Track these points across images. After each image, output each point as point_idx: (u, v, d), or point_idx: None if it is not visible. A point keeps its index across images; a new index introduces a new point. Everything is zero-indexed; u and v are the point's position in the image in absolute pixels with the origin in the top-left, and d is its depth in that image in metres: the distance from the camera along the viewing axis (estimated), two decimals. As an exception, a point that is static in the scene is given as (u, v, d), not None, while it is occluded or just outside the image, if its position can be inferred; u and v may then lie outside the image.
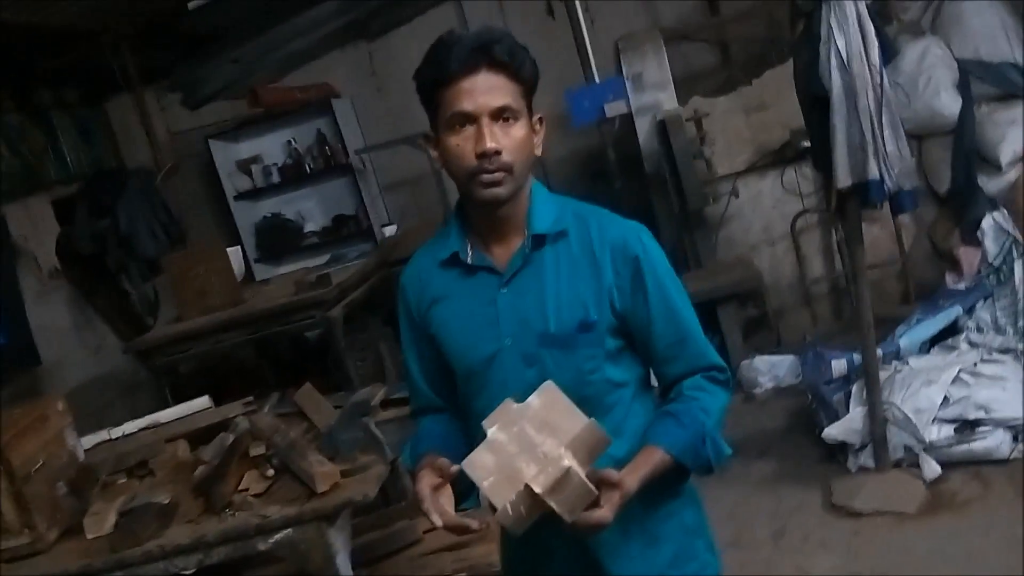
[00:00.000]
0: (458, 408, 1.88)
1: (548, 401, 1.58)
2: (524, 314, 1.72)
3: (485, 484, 1.49)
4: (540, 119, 1.75)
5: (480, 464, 1.50)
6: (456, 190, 1.78)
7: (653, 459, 1.67)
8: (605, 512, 1.54)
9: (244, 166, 7.16)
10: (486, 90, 1.63)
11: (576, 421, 1.57)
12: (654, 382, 1.87)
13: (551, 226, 1.74)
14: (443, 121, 1.67)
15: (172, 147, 7.11)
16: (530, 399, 1.57)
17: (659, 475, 1.68)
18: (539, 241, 1.73)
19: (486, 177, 1.64)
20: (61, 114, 6.43)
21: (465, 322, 1.76)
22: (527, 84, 1.69)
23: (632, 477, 1.62)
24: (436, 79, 1.65)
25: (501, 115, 1.64)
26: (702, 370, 1.78)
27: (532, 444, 1.53)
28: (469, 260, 1.76)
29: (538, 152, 1.74)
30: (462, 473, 1.60)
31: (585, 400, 1.68)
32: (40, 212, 5.90)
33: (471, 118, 1.64)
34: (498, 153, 1.63)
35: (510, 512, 1.50)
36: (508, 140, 1.64)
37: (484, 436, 1.58)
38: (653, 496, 1.75)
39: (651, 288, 1.73)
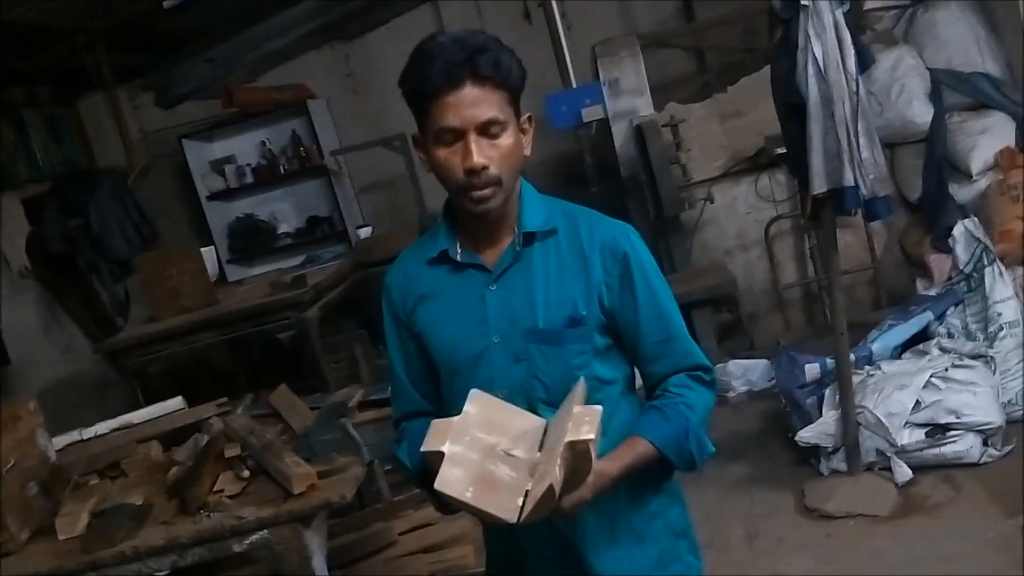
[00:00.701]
0: (444, 410, 1.86)
1: (482, 406, 1.60)
2: (513, 311, 1.72)
3: (468, 495, 1.48)
4: (529, 118, 1.73)
5: (453, 479, 1.49)
6: (433, 193, 1.78)
7: (636, 449, 1.68)
8: (583, 492, 1.55)
9: (218, 166, 7.12)
10: (471, 104, 1.61)
11: (517, 416, 1.61)
12: (638, 383, 1.88)
13: (541, 224, 1.74)
14: (430, 132, 1.65)
15: (145, 147, 7.06)
16: (465, 409, 1.58)
17: (642, 467, 1.69)
18: (529, 239, 1.73)
19: (475, 194, 1.64)
20: (32, 112, 6.38)
21: (453, 319, 1.75)
22: (514, 90, 1.67)
23: (611, 464, 1.63)
24: (420, 92, 1.63)
25: (488, 128, 1.63)
26: (688, 369, 1.79)
27: (490, 446, 1.54)
28: (458, 257, 1.75)
29: (527, 152, 1.73)
30: None
31: None
32: (10, 210, 5.83)
33: (458, 133, 1.62)
34: (486, 168, 1.62)
35: (536, 500, 1.48)
36: (496, 152, 1.63)
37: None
38: (640, 496, 1.76)
39: (639, 286, 1.73)
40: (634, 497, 1.76)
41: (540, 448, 1.58)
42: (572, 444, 1.47)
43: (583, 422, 1.49)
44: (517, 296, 1.72)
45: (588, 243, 1.73)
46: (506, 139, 1.65)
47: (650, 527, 1.80)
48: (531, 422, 1.62)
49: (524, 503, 1.49)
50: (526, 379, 1.71)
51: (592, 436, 1.48)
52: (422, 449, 1.55)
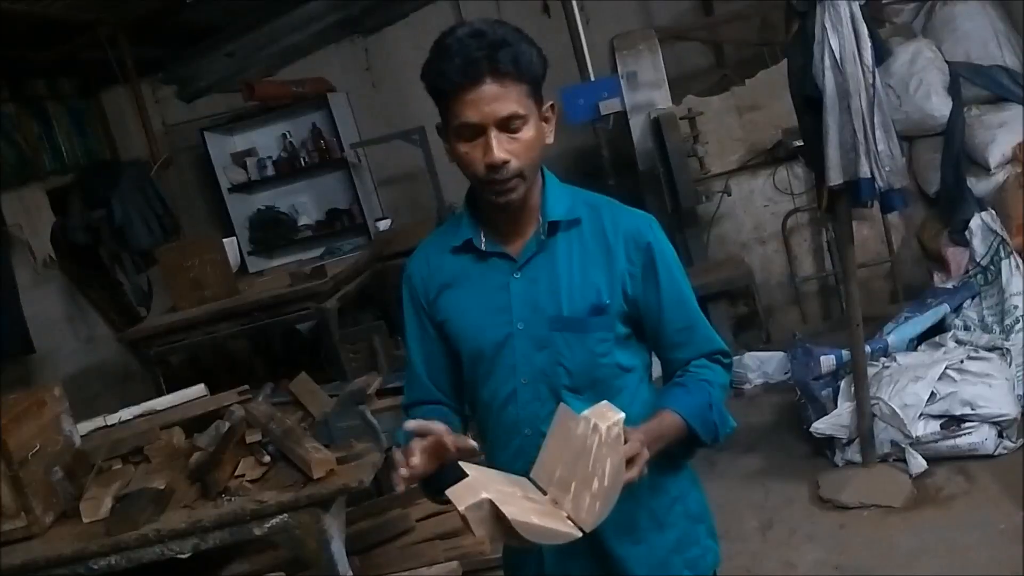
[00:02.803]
0: (455, 403, 1.89)
1: (477, 471, 1.58)
2: (536, 299, 1.73)
3: (535, 520, 1.48)
4: (552, 106, 1.73)
5: (517, 513, 1.48)
6: (451, 186, 1.79)
7: (665, 420, 1.70)
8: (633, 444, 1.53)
9: (239, 159, 7.18)
10: (491, 100, 1.61)
11: (504, 475, 1.61)
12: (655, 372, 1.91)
13: (565, 213, 1.76)
14: (451, 127, 1.66)
15: (167, 139, 7.13)
16: (470, 473, 1.54)
17: (671, 439, 1.70)
18: (553, 228, 1.75)
19: (497, 188, 1.66)
20: (56, 105, 6.45)
21: (477, 307, 1.77)
22: (534, 82, 1.67)
23: (643, 433, 1.61)
24: (439, 88, 1.64)
25: (508, 124, 1.63)
26: (708, 354, 1.82)
27: (511, 493, 1.54)
28: (483, 247, 1.77)
29: (549, 140, 1.73)
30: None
31: (596, 383, 1.74)
32: (35, 202, 5.90)
33: (478, 129, 1.63)
34: (507, 163, 1.63)
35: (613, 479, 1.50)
36: (517, 146, 1.64)
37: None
38: (659, 480, 1.78)
39: (663, 276, 1.76)
40: (654, 481, 1.75)
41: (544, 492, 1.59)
42: (609, 428, 1.49)
43: (604, 413, 1.52)
44: (541, 284, 1.74)
45: (612, 233, 1.75)
46: (527, 132, 1.65)
47: (670, 512, 1.83)
48: (517, 479, 1.62)
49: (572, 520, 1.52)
50: (549, 366, 1.73)
51: (622, 415, 1.51)
52: (460, 509, 1.46)
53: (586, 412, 1.53)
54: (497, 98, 1.61)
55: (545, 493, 1.58)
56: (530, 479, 1.62)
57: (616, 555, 1.79)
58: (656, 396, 1.83)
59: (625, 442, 1.52)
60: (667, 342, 1.81)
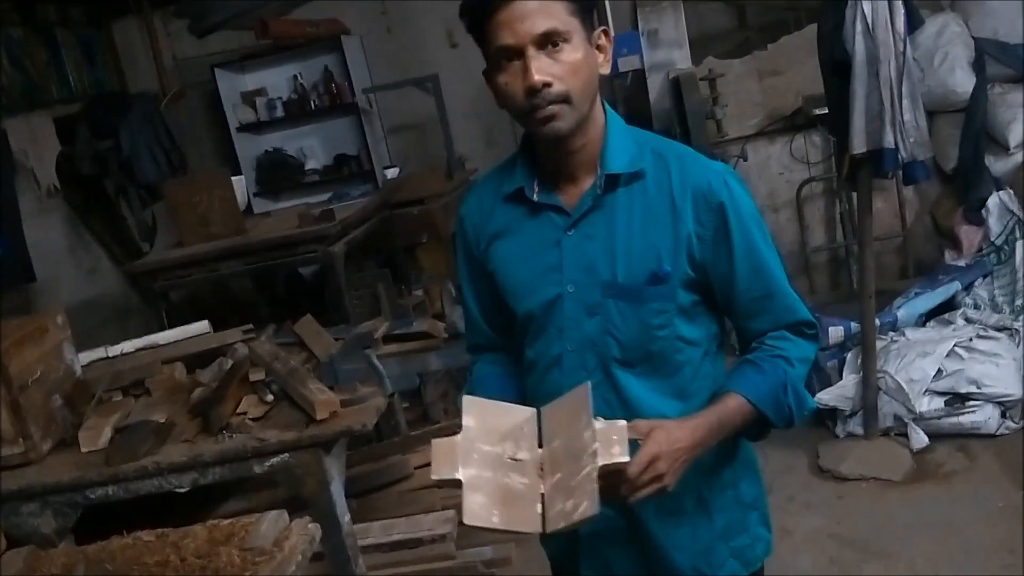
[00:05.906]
0: (517, 351, 1.77)
1: (477, 413, 1.53)
2: (590, 260, 1.59)
3: (495, 521, 1.42)
4: (604, 31, 1.58)
5: (478, 508, 1.41)
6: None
7: (727, 404, 1.57)
8: (647, 450, 1.45)
9: (249, 98, 7.08)
10: (525, 16, 1.46)
11: (508, 413, 1.55)
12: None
13: (627, 165, 1.58)
14: (490, 58, 1.53)
15: (176, 74, 7.03)
16: (464, 423, 1.50)
17: (735, 424, 1.58)
18: (612, 182, 1.58)
19: (541, 113, 1.50)
20: (65, 32, 6.33)
21: (526, 263, 1.64)
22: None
23: (697, 424, 1.53)
24: (476, 14, 1.51)
25: (548, 41, 1.48)
26: (788, 326, 1.64)
27: (497, 457, 1.48)
28: (535, 198, 1.63)
29: (604, 70, 1.58)
30: None
31: (651, 356, 1.61)
32: (41, 129, 5.81)
33: (515, 51, 1.48)
34: (548, 85, 1.48)
35: (574, 522, 1.40)
36: (559, 67, 1.49)
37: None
38: (712, 465, 1.66)
39: (736, 239, 1.58)
40: (706, 469, 1.64)
41: (540, 443, 1.52)
42: (605, 467, 1.38)
43: (612, 442, 1.41)
44: (596, 245, 1.59)
45: (679, 189, 1.57)
46: (571, 53, 1.49)
47: (720, 498, 1.70)
48: (522, 415, 1.56)
49: (544, 509, 1.45)
50: (599, 335, 1.60)
51: (627, 459, 1.40)
52: (433, 477, 1.45)
53: (597, 425, 1.42)
54: (532, 13, 1.47)
55: (541, 445, 1.52)
56: (539, 414, 1.55)
57: (656, 538, 1.67)
58: (725, 373, 1.68)
59: (641, 441, 1.44)
60: (741, 311, 1.64)
